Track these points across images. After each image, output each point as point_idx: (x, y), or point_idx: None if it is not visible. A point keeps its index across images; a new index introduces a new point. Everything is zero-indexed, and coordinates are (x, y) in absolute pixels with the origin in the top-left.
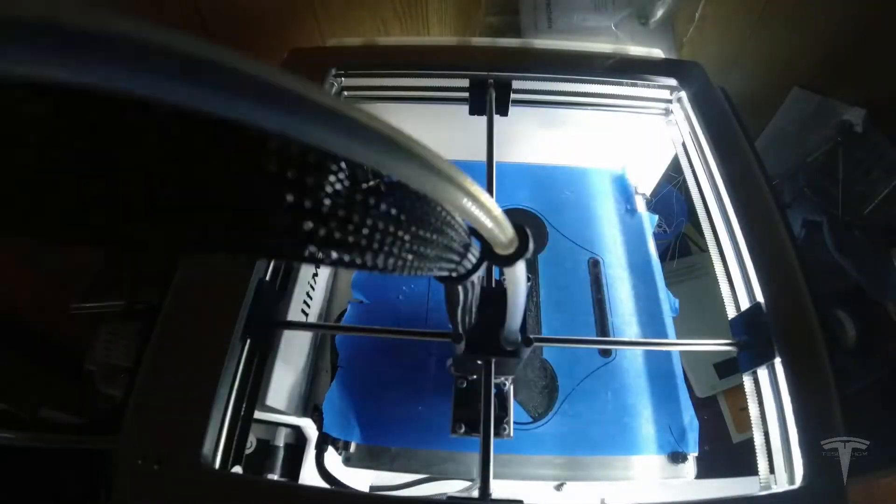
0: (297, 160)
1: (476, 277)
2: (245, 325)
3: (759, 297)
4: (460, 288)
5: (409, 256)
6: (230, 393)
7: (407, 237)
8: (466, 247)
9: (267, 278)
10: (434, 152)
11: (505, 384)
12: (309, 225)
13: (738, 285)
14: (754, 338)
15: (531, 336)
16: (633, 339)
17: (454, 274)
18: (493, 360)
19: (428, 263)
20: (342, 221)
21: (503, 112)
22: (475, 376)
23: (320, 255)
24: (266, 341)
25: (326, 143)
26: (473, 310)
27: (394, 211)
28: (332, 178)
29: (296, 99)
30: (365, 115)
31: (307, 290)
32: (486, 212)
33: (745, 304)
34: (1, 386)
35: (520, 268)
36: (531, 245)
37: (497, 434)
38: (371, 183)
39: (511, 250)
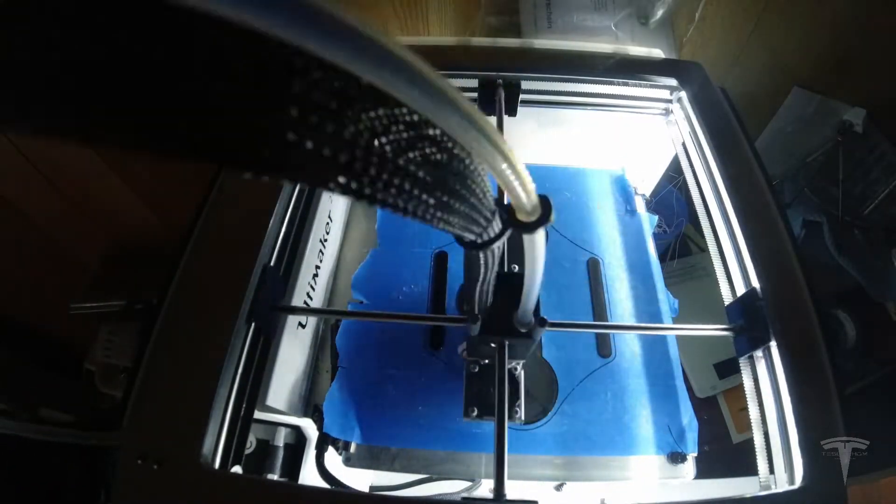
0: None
1: (496, 250)
2: (250, 309)
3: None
4: (482, 262)
5: (435, 209)
6: (230, 393)
7: (435, 194)
8: (492, 213)
9: (272, 263)
10: (474, 107)
11: (516, 369)
12: (343, 157)
13: (738, 285)
14: (750, 322)
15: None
16: (634, 325)
17: (479, 239)
18: (507, 343)
19: (454, 218)
20: (377, 160)
21: (512, 112)
22: (487, 361)
23: (347, 183)
24: (271, 325)
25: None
26: (490, 289)
27: (428, 156)
28: (370, 114)
29: (348, 34)
30: (417, 63)
31: (307, 291)
32: (517, 174)
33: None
34: (1, 386)
35: (539, 238)
36: (553, 214)
37: (510, 417)
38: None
39: (534, 218)
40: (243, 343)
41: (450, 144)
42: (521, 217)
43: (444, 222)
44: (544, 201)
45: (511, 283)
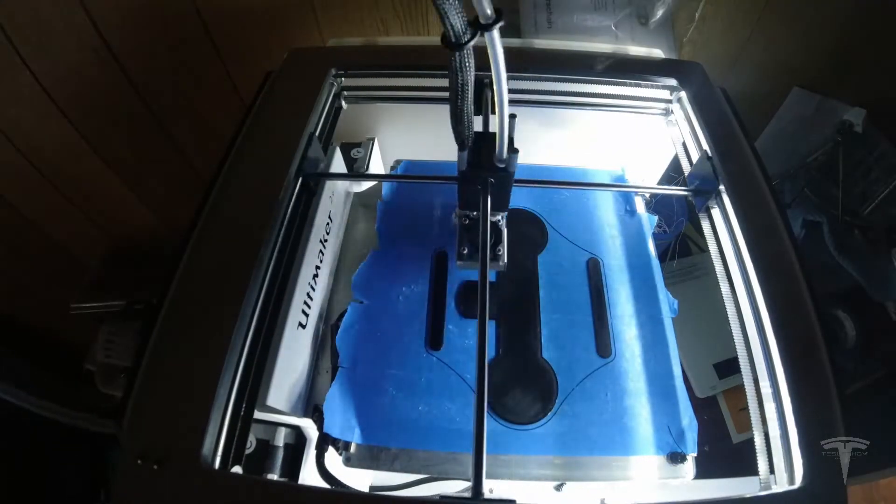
0: None
1: (469, 64)
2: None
3: (760, 303)
4: (459, 73)
5: None
6: (230, 393)
7: None
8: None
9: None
10: None
11: (500, 221)
12: None
13: (738, 285)
14: (703, 181)
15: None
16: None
17: (455, 39)
18: (490, 183)
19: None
20: None
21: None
22: (475, 213)
23: None
24: (313, 187)
25: None
26: (469, 115)
27: None
28: None
29: None
30: None
31: (307, 292)
32: None
33: (745, 303)
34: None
35: (496, 36)
36: (503, 20)
37: (493, 259)
38: None
39: (490, 21)
40: (244, 342)
41: None
42: (482, 20)
43: None
44: (498, 10)
45: (487, 137)
